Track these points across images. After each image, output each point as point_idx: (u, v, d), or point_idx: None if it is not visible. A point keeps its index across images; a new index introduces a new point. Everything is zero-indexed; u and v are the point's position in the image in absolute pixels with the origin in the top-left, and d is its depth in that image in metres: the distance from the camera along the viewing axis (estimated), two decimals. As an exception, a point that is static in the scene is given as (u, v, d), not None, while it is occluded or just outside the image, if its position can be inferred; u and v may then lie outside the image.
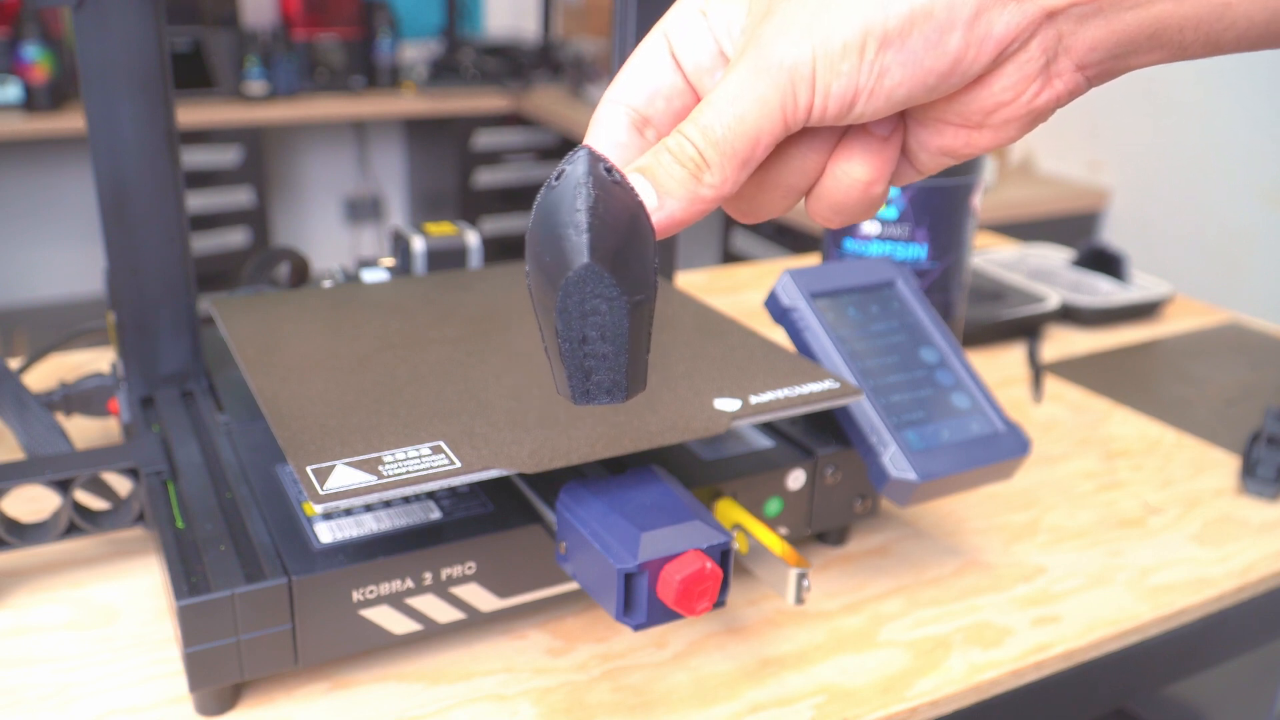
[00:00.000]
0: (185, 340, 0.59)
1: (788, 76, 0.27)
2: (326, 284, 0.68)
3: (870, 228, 0.71)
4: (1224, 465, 0.72)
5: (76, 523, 0.50)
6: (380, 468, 0.41)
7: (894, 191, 0.70)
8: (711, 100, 0.28)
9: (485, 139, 3.02)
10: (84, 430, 0.67)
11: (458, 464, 0.42)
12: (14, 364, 0.65)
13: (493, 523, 0.47)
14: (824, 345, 0.55)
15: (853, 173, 0.30)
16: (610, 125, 0.31)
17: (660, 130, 0.32)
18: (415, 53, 3.22)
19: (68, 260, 3.01)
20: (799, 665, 0.50)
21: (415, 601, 0.46)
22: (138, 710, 0.45)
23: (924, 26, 0.26)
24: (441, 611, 0.47)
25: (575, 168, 0.27)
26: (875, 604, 0.55)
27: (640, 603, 0.40)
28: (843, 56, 0.27)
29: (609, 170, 0.27)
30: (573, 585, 0.49)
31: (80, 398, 0.62)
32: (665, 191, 0.28)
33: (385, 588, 0.45)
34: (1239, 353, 0.93)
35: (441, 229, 0.71)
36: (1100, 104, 2.13)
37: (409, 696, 0.46)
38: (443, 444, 0.43)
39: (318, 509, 0.39)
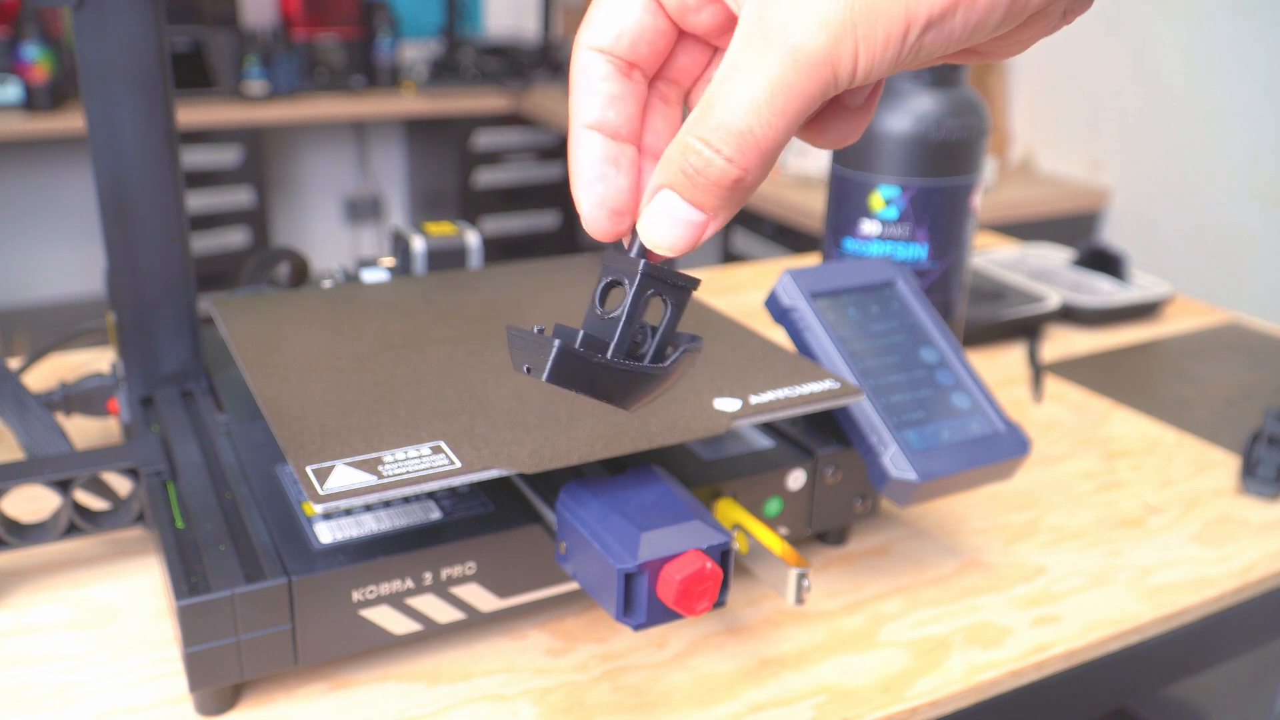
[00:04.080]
0: (185, 340, 0.59)
1: (831, 71, 0.26)
2: (326, 284, 0.68)
3: (870, 228, 0.71)
4: (1224, 465, 0.72)
5: (76, 523, 0.50)
6: (380, 468, 0.41)
7: (894, 191, 0.70)
8: (741, 97, 0.27)
9: (485, 139, 3.02)
10: (84, 430, 0.67)
11: (458, 464, 0.42)
12: (14, 364, 0.65)
13: (493, 523, 0.47)
14: (824, 345, 0.55)
15: (847, 102, 0.30)
16: (595, 78, 0.29)
17: (647, 72, 0.30)
18: (415, 53, 3.23)
19: (68, 260, 3.01)
20: (799, 665, 0.50)
21: (415, 601, 0.46)
22: (138, 710, 0.45)
23: (967, 10, 0.26)
24: (441, 611, 0.46)
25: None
26: (875, 604, 0.55)
27: (640, 603, 0.40)
28: (885, 46, 0.26)
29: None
30: (573, 585, 0.49)
31: (80, 398, 0.62)
32: (711, 210, 0.28)
33: (385, 588, 0.45)
34: (1239, 353, 0.93)
35: (441, 229, 0.71)
36: (1100, 104, 2.13)
37: (409, 696, 0.46)
38: (443, 444, 0.43)
39: (318, 509, 0.39)
